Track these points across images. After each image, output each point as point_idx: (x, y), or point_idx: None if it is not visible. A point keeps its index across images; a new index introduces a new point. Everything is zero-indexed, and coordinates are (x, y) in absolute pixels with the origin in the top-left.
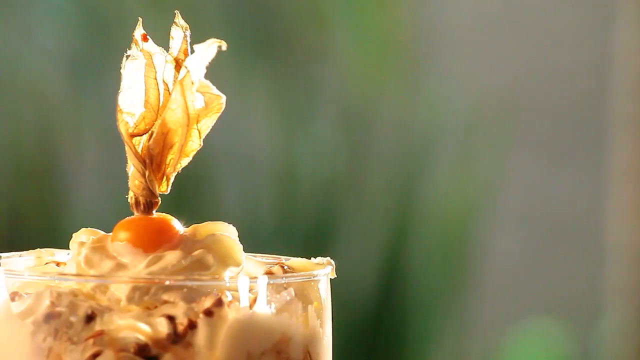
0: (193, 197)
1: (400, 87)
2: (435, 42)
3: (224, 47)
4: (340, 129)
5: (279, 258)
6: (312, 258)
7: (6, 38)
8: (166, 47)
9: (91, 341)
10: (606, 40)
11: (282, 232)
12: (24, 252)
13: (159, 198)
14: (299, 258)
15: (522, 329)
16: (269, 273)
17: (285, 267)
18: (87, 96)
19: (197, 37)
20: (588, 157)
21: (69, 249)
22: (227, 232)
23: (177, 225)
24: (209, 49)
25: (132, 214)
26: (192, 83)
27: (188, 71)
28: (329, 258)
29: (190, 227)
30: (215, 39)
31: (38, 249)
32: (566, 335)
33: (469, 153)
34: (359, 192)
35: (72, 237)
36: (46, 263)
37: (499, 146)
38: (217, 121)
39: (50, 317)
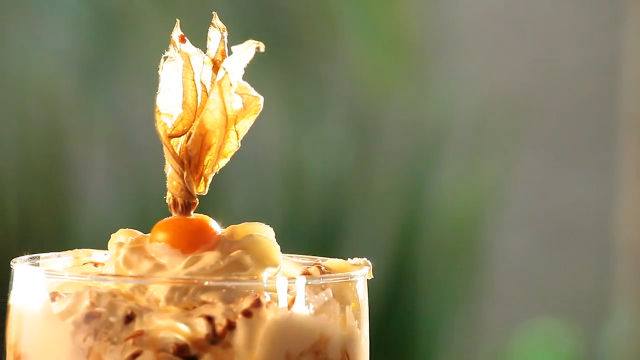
0: (200, 196)
1: (409, 87)
2: (444, 42)
3: (262, 48)
4: (348, 129)
5: (316, 259)
6: (349, 259)
7: (16, 39)
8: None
9: (131, 341)
10: (615, 39)
11: (289, 231)
12: (62, 253)
13: (197, 199)
14: (336, 259)
15: (529, 329)
16: (306, 274)
17: (323, 268)
18: (97, 97)
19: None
20: (596, 157)
21: (78, 248)
22: (264, 233)
23: (215, 226)
24: (247, 50)
25: (135, 215)
26: (231, 84)
27: (226, 72)
28: (365, 259)
29: (228, 227)
30: (253, 41)
31: (75, 249)
32: (574, 335)
33: (477, 153)
34: (367, 192)
35: (81, 237)
36: (84, 263)
37: (507, 146)
38: None
39: (90, 317)
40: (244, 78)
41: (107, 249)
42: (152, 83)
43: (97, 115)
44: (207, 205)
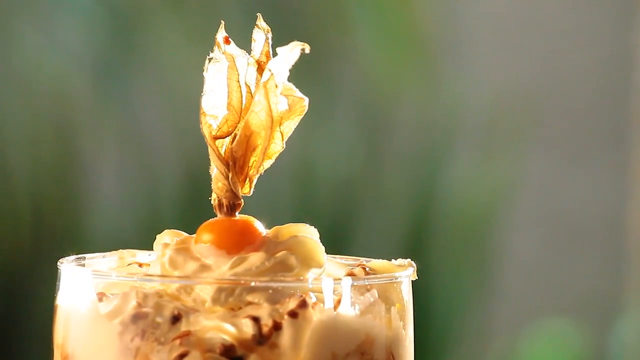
0: (209, 198)
1: (420, 86)
2: (455, 41)
3: (307, 49)
4: (359, 128)
5: (360, 259)
6: (393, 260)
7: (29, 38)
8: (190, 47)
9: (178, 342)
10: (626, 39)
11: None
12: (107, 253)
13: (242, 200)
14: (380, 259)
15: (539, 329)
16: (351, 274)
17: (367, 269)
18: (109, 97)
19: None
20: (607, 156)
21: (89, 248)
22: (309, 234)
23: (260, 226)
24: (292, 51)
25: (146, 214)
26: (276, 86)
27: (272, 74)
28: (409, 260)
29: (272, 228)
30: (298, 42)
31: (120, 250)
32: (583, 335)
33: (488, 152)
34: (377, 191)
35: (92, 235)
36: (129, 264)
37: (518, 145)
38: None
39: (137, 317)
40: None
41: (118, 249)
42: (164, 82)
43: (108, 114)
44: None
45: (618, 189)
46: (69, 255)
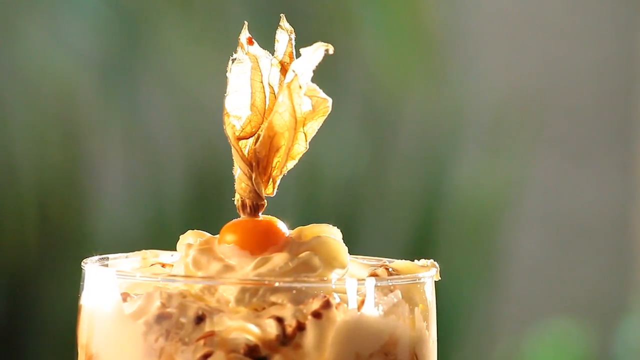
0: (215, 198)
1: (425, 86)
2: (460, 40)
3: (331, 50)
4: (364, 127)
5: (382, 260)
6: (415, 260)
7: (35, 38)
8: (196, 47)
9: (202, 342)
10: (631, 38)
11: None
12: (130, 254)
13: (265, 200)
14: (403, 260)
15: (544, 329)
16: (374, 275)
17: (390, 270)
18: (115, 97)
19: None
20: (612, 156)
21: (95, 247)
22: (332, 234)
23: (283, 227)
24: (316, 52)
25: (152, 214)
26: (300, 87)
27: (296, 75)
28: (432, 260)
29: (295, 229)
30: (322, 43)
31: (143, 250)
32: (588, 335)
33: (493, 152)
34: (382, 190)
35: (97, 235)
36: (151, 264)
37: (523, 145)
38: None
39: (161, 318)
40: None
41: (124, 248)
42: (170, 83)
43: (115, 114)
44: (222, 206)
45: (623, 189)
46: (75, 254)
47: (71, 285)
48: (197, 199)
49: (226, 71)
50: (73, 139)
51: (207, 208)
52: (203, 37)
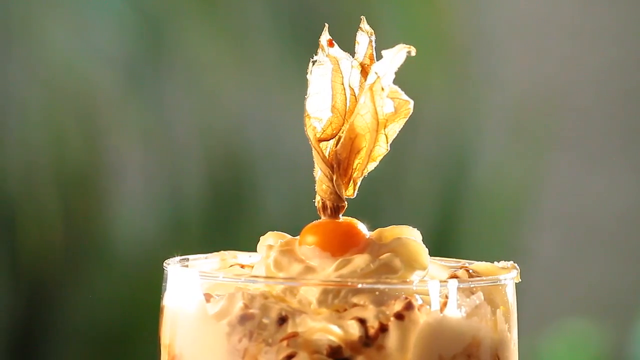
0: (234, 198)
1: (444, 87)
2: (479, 42)
3: (413, 52)
4: None
5: (462, 261)
6: (495, 262)
7: (58, 38)
8: (218, 48)
9: (285, 343)
10: None
11: None
12: (209, 255)
13: (346, 202)
14: (483, 262)
15: (559, 328)
16: (454, 277)
17: (470, 271)
18: (136, 98)
19: (246, 38)
20: (628, 156)
21: (112, 247)
22: (412, 236)
23: (363, 228)
24: (398, 54)
25: (170, 214)
26: (382, 89)
27: (378, 77)
28: (512, 262)
29: (375, 230)
30: (404, 45)
31: (222, 251)
32: (604, 335)
33: (511, 153)
34: (400, 191)
35: (116, 235)
36: (230, 265)
37: (541, 145)
38: (257, 121)
39: (244, 318)
40: (280, 77)
41: (142, 249)
42: (192, 84)
43: (136, 115)
44: (240, 207)
45: (638, 190)
46: (94, 254)
47: (91, 287)
48: (216, 199)
49: (247, 73)
50: (94, 139)
51: (226, 208)
52: (225, 38)
